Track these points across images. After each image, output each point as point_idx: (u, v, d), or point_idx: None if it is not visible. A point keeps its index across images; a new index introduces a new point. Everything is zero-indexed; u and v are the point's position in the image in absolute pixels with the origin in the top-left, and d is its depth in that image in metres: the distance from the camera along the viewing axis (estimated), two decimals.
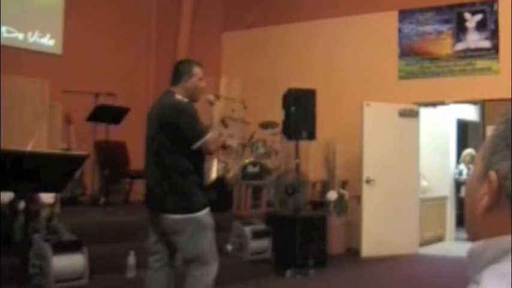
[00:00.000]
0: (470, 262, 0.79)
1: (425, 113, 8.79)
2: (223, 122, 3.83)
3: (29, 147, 4.22)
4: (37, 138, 5.46)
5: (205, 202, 3.95)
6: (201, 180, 4.04)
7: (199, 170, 4.01)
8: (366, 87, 8.63)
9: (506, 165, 0.76)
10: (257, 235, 6.64)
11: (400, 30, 8.73)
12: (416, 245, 8.37)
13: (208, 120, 4.19)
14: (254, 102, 8.69)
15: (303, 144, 7.56)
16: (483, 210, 0.78)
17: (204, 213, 3.92)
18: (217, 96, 4.50)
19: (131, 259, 5.24)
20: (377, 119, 8.12)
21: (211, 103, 4.25)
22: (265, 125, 8.54)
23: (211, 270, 3.93)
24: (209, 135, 3.92)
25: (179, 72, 4.09)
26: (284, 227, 6.99)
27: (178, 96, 4.00)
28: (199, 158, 4.00)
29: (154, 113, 4.04)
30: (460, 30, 8.30)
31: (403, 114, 8.33)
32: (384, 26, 8.79)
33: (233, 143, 7.85)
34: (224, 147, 6.61)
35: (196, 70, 4.10)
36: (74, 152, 6.05)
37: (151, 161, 4.04)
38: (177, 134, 3.86)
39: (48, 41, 8.03)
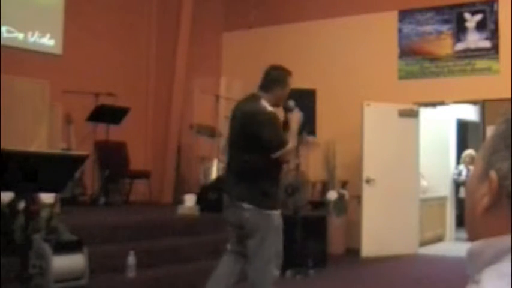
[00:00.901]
0: (470, 262, 0.79)
1: (425, 113, 8.79)
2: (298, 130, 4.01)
3: (32, 148, 4.23)
4: (37, 138, 5.47)
5: (278, 204, 4.10)
6: (277, 182, 4.15)
7: (277, 171, 4.10)
8: (366, 87, 8.62)
9: (506, 165, 0.76)
10: None
11: (400, 30, 8.72)
12: (416, 245, 8.37)
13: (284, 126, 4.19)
14: None
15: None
16: (483, 210, 0.78)
17: (277, 214, 4.02)
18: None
19: (131, 259, 5.23)
20: (377, 119, 8.12)
21: (291, 109, 4.23)
22: None
23: (272, 269, 4.00)
24: (289, 147, 3.96)
25: (273, 79, 4.13)
26: (284, 227, 6.97)
27: (264, 103, 4.03)
28: (277, 161, 4.04)
29: (238, 114, 4.11)
30: (460, 30, 8.30)
31: (403, 114, 8.33)
32: (384, 26, 8.78)
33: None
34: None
35: (290, 81, 4.19)
36: (74, 152, 6.05)
37: (232, 158, 4.14)
38: (258, 141, 3.94)
39: (48, 41, 8.03)
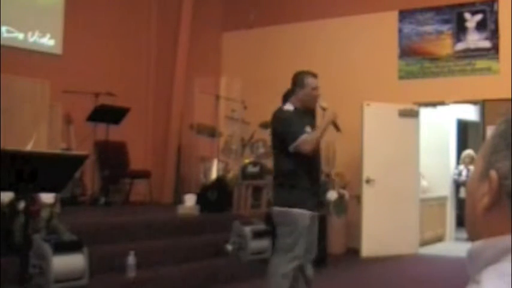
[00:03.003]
0: (470, 262, 0.79)
1: (425, 113, 8.78)
2: (335, 126, 4.40)
3: (28, 147, 4.22)
4: (37, 138, 5.46)
5: (302, 201, 4.29)
6: (307, 181, 4.33)
7: (304, 171, 4.32)
8: (366, 87, 8.62)
9: (507, 164, 0.76)
10: (257, 235, 6.63)
11: (400, 30, 8.72)
12: (416, 245, 8.37)
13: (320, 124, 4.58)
14: (254, 102, 8.69)
15: None
16: (483, 209, 0.78)
17: (299, 212, 4.27)
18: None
19: (131, 259, 5.23)
20: (377, 119, 8.12)
21: (324, 109, 4.55)
22: (265, 125, 8.51)
23: (291, 262, 4.30)
24: (303, 137, 4.20)
25: (293, 82, 4.48)
26: None
27: (286, 106, 4.42)
28: (304, 161, 4.28)
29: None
30: (460, 30, 8.30)
31: (403, 114, 8.33)
32: (384, 26, 8.78)
33: None
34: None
35: (309, 81, 4.43)
36: (74, 152, 6.05)
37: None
38: (278, 139, 4.37)
39: (48, 41, 8.03)
